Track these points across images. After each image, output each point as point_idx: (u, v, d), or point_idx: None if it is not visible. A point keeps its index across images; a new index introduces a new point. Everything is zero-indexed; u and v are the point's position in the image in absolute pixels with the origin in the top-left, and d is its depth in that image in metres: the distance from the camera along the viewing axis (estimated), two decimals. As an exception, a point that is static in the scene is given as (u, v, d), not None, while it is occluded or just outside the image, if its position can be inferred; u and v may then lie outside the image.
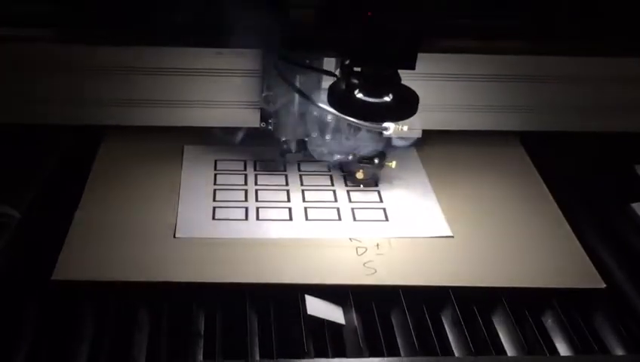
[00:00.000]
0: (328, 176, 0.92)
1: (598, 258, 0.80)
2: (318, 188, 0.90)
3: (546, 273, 0.78)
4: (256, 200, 0.87)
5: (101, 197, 0.86)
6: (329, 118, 0.86)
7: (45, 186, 0.87)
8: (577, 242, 0.83)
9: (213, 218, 0.84)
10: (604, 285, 0.77)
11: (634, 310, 0.75)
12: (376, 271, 0.77)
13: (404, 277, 0.76)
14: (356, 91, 0.79)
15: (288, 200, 0.88)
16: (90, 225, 0.81)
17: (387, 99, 0.79)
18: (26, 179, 0.87)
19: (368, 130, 0.85)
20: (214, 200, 0.87)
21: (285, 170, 0.93)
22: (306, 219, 0.85)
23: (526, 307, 0.75)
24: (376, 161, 0.89)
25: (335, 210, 0.86)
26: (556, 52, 0.95)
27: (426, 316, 0.73)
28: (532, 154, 0.99)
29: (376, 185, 0.91)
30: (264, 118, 0.92)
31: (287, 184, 0.90)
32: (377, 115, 0.81)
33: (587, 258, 0.80)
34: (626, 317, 0.74)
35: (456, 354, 0.71)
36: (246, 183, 0.90)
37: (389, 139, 0.89)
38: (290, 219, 0.85)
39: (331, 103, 0.81)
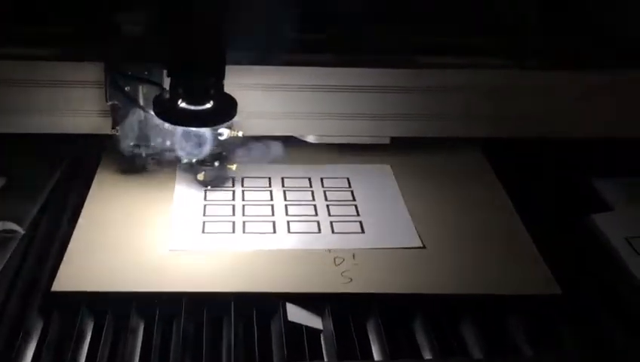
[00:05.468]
0: (310, 192, 0.97)
1: (555, 265, 0.85)
2: (300, 203, 0.95)
3: (508, 280, 0.82)
4: (243, 214, 0.92)
5: (99, 215, 0.91)
6: (166, 125, 0.90)
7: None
8: (536, 251, 0.87)
9: (203, 231, 0.89)
10: (560, 291, 0.81)
11: (587, 313, 0.80)
12: (352, 280, 0.81)
13: (378, 285, 0.80)
14: (179, 100, 0.84)
15: (272, 215, 0.92)
16: (89, 239, 0.86)
17: (208, 106, 0.84)
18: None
19: (202, 135, 0.90)
20: (204, 214, 0.92)
21: (271, 186, 0.98)
22: (289, 231, 0.89)
23: (489, 313, 0.78)
24: (216, 163, 0.95)
25: (315, 223, 0.91)
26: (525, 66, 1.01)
27: (398, 322, 0.77)
28: (493, 163, 1.04)
29: (228, 186, 0.97)
30: (114, 125, 0.95)
31: (271, 199, 0.95)
32: (197, 121, 0.86)
33: (545, 266, 0.85)
34: (581, 320, 0.79)
35: (426, 357, 0.74)
36: (234, 199, 0.95)
37: (228, 142, 0.93)
38: (274, 231, 0.89)
39: (155, 112, 0.87)
